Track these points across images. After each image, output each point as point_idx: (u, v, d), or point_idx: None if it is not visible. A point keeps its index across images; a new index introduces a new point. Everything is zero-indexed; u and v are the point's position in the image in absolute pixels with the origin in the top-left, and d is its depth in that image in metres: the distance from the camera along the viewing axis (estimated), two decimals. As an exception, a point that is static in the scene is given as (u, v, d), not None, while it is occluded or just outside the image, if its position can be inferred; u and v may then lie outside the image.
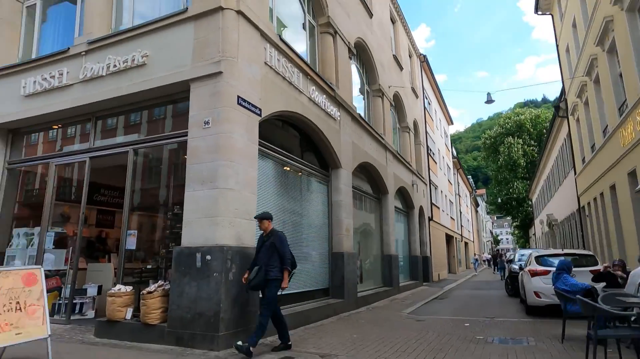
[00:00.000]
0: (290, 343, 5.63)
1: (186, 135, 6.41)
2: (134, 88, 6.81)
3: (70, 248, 7.61)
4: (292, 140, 8.96)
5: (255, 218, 5.91)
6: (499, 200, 42.64)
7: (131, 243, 6.91)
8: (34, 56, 8.57)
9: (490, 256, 47.37)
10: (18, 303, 4.39)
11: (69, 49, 7.66)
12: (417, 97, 21.19)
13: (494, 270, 34.69)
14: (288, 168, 8.43)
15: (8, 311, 4.27)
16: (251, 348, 5.06)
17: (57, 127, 8.37)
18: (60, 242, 7.94)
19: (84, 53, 7.43)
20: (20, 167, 8.61)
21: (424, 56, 23.21)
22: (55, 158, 7.99)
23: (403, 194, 17.15)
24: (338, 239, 9.78)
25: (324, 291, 9.29)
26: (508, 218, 68.99)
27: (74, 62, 7.55)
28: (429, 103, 26.01)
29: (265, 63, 7.19)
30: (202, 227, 5.86)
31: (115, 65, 7.00)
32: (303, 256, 8.55)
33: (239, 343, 5.08)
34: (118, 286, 6.32)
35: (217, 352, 5.25)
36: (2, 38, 8.76)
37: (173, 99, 6.99)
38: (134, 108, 7.37)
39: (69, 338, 6.04)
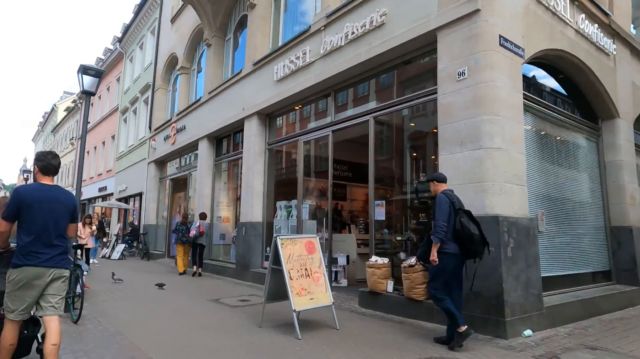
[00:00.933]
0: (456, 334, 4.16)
1: (431, 94, 5.78)
2: (373, 51, 6.49)
3: (324, 219, 8.03)
4: (548, 86, 7.18)
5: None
6: None
7: (380, 213, 6.72)
8: (280, 43, 9.36)
9: None
10: (306, 269, 4.53)
11: (309, 27, 7.99)
12: None
13: None
14: (548, 122, 6.79)
15: (301, 276, 4.43)
16: (461, 330, 4.07)
17: (299, 107, 8.97)
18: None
19: (323, 28, 7.60)
20: (275, 146, 9.68)
21: None
22: (302, 135, 8.57)
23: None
24: (619, 209, 7.55)
25: (603, 275, 7.32)
26: None
27: (315, 39, 7.82)
28: None
29: (527, -9, 5.74)
30: (465, 195, 4.99)
31: (353, 32, 6.85)
32: (571, 231, 6.86)
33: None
34: (374, 258, 6.17)
35: (506, 340, 4.40)
36: (259, 32, 9.98)
37: (409, 59, 6.43)
38: (370, 75, 7.12)
39: (337, 305, 6.14)
